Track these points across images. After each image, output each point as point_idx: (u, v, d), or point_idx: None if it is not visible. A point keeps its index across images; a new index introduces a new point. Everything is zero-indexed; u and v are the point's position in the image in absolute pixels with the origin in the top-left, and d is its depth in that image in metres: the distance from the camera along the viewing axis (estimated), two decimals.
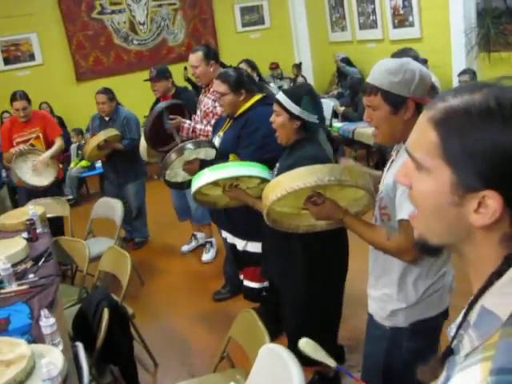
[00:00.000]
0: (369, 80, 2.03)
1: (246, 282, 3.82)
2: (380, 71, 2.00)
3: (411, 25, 7.36)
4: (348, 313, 3.35)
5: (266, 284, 3.72)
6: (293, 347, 3.07)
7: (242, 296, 4.28)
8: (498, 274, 0.83)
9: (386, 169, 2.13)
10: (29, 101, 5.20)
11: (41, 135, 5.33)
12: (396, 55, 4.81)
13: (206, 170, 2.93)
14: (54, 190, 5.29)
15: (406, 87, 1.94)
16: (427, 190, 0.89)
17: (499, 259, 0.84)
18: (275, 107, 2.79)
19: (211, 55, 4.37)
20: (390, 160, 2.11)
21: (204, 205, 3.38)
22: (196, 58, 4.37)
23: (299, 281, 2.90)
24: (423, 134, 0.88)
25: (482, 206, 0.82)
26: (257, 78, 5.82)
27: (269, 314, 3.71)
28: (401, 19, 7.56)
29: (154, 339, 3.88)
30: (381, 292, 2.18)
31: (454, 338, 0.91)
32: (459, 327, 0.90)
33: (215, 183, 2.95)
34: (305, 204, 2.30)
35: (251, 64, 5.97)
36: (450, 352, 0.91)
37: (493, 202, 0.81)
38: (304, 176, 2.15)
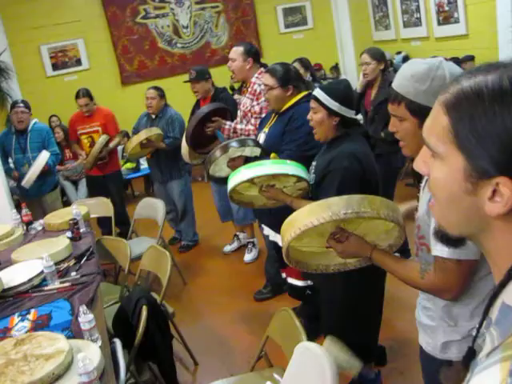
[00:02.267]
0: (393, 85, 1.82)
1: (291, 280, 3.79)
2: (405, 76, 1.78)
3: (456, 21, 7.19)
4: (390, 314, 3.29)
5: (310, 282, 3.69)
6: None
7: (283, 296, 4.28)
8: None
9: (421, 191, 1.89)
10: (91, 98, 5.82)
11: (100, 130, 5.91)
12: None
13: (241, 168, 2.91)
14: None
15: (434, 96, 1.73)
16: (441, 177, 0.86)
17: None
18: (312, 104, 2.76)
19: (251, 53, 4.37)
20: (425, 180, 1.83)
21: (241, 205, 3.36)
22: (235, 51, 4.38)
23: (338, 281, 2.84)
24: (436, 119, 0.85)
25: (497, 194, 0.78)
26: (310, 78, 5.82)
27: (309, 314, 3.70)
28: (445, 16, 7.40)
29: (194, 338, 3.90)
30: (430, 321, 1.95)
31: (475, 337, 0.87)
32: (480, 326, 0.86)
33: (251, 182, 2.93)
34: (328, 242, 2.11)
35: (305, 63, 5.97)
36: (473, 353, 0.86)
37: (507, 189, 0.76)
38: (318, 211, 1.96)
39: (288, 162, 2.88)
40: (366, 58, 4.79)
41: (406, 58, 8.02)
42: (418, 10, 7.98)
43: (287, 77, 3.43)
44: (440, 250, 1.71)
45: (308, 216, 1.96)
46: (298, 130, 3.32)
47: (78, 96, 5.80)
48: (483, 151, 0.78)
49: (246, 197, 3.17)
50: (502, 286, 0.80)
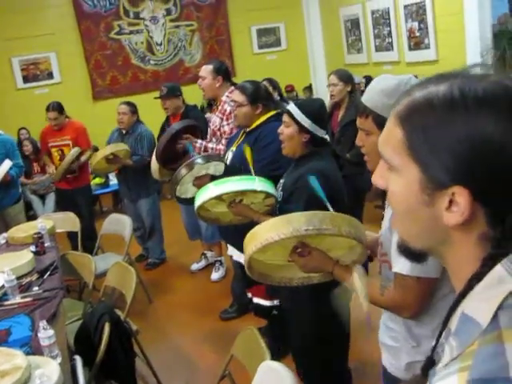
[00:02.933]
0: (362, 99, 1.85)
1: (257, 300, 3.77)
2: (375, 90, 1.81)
3: (427, 47, 7.33)
4: (354, 335, 3.27)
5: (276, 302, 3.67)
6: (301, 370, 3.03)
7: (249, 315, 4.25)
8: (477, 278, 0.79)
9: (386, 209, 1.92)
10: (61, 112, 5.78)
11: (71, 143, 5.84)
12: None
13: (210, 185, 2.89)
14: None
15: None
16: (398, 190, 0.86)
17: (478, 261, 0.80)
18: (285, 118, 2.77)
19: (221, 71, 4.38)
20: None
21: (207, 221, 3.34)
22: (205, 69, 4.40)
23: (306, 302, 2.82)
24: (390, 131, 0.85)
25: (454, 204, 0.78)
26: (278, 98, 5.86)
27: (274, 333, 3.67)
28: (416, 41, 7.55)
29: (158, 357, 3.84)
30: (393, 342, 1.94)
31: (434, 347, 0.87)
32: (439, 336, 0.86)
33: (219, 198, 2.91)
34: (290, 256, 2.09)
35: (273, 83, 6.01)
36: (432, 363, 0.86)
37: (462, 198, 0.77)
38: (279, 226, 1.94)
39: (256, 178, 2.87)
40: (334, 79, 4.84)
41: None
42: (389, 34, 8.12)
43: (257, 95, 3.44)
44: (400, 266, 1.71)
45: (269, 231, 1.95)
46: (264, 148, 3.31)
47: (47, 109, 5.76)
48: (437, 161, 0.78)
49: (213, 213, 3.14)
50: (462, 296, 0.80)
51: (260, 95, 3.46)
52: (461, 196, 0.77)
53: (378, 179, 0.92)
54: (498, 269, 0.77)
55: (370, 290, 1.88)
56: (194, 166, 3.34)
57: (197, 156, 3.57)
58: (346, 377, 3.08)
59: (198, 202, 2.90)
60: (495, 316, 0.74)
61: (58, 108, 5.75)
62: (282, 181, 2.88)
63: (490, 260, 0.78)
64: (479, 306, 0.77)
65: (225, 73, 4.42)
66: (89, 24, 8.86)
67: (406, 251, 0.92)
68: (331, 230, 1.90)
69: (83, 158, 5.83)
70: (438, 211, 0.80)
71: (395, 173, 0.85)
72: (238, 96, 3.46)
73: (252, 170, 2.99)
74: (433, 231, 0.84)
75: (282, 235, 1.91)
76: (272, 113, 3.47)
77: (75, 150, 5.69)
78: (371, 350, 2.29)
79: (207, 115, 5.45)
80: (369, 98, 1.81)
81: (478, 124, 0.75)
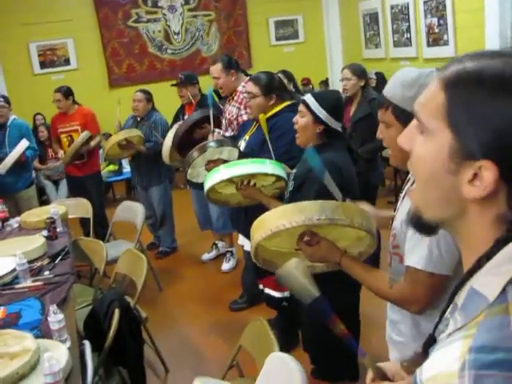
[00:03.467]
0: (384, 91, 1.83)
1: (268, 291, 3.76)
2: (395, 82, 1.79)
3: (446, 43, 7.26)
4: (362, 330, 3.26)
5: (286, 294, 3.66)
6: (315, 363, 3.03)
7: (258, 307, 4.25)
8: (487, 257, 0.79)
9: (400, 201, 1.88)
10: (66, 96, 5.76)
11: (79, 129, 5.84)
12: None
13: (220, 167, 2.88)
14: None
15: None
16: (425, 153, 0.85)
17: (491, 241, 0.79)
18: (301, 108, 2.75)
19: (231, 65, 4.35)
20: (405, 190, 1.84)
21: (216, 204, 3.33)
22: (216, 69, 4.35)
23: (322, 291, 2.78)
24: (432, 94, 0.84)
25: (477, 178, 0.78)
26: (293, 90, 5.82)
27: (283, 326, 3.66)
28: (435, 37, 7.47)
29: (166, 345, 3.85)
30: (400, 337, 1.93)
31: (437, 324, 0.86)
32: (443, 312, 0.85)
33: (230, 180, 2.90)
34: (298, 244, 2.07)
35: (288, 75, 5.97)
36: (434, 340, 0.85)
37: (488, 173, 0.76)
38: (291, 214, 1.93)
39: (267, 161, 2.87)
40: (347, 73, 4.80)
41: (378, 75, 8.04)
42: (408, 30, 8.04)
43: (270, 85, 3.42)
44: (415, 260, 1.69)
45: (280, 218, 1.94)
46: (278, 139, 3.29)
47: (54, 91, 5.80)
48: (473, 133, 0.77)
49: (223, 195, 3.13)
50: (471, 273, 0.80)
51: (274, 86, 3.44)
52: (488, 171, 0.76)
53: (404, 141, 0.91)
54: (510, 246, 0.78)
55: (379, 282, 1.88)
56: (206, 149, 3.32)
57: (210, 140, 3.55)
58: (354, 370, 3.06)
59: (208, 184, 2.89)
60: (504, 290, 0.75)
61: (64, 92, 5.76)
62: (294, 170, 2.87)
63: (503, 242, 0.78)
64: (488, 281, 0.77)
65: (234, 64, 4.39)
66: (107, 11, 8.87)
67: (418, 222, 0.91)
68: (344, 221, 1.89)
69: (93, 143, 5.84)
70: (461, 182, 0.80)
71: (426, 136, 0.85)
72: (252, 87, 3.44)
73: (267, 139, 2.96)
74: (451, 201, 0.83)
75: (294, 223, 1.90)
76: (287, 103, 3.45)
77: (85, 134, 5.69)
78: (379, 346, 2.27)
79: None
80: (389, 89, 1.79)
81: None
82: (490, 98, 0.76)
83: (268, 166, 2.82)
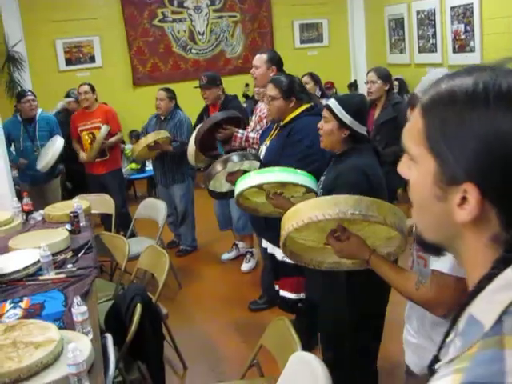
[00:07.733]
0: (415, 90, 1.86)
1: (283, 292, 3.75)
2: (426, 81, 1.81)
3: (472, 50, 7.20)
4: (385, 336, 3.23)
5: (302, 296, 3.65)
6: (328, 360, 3.00)
7: (278, 308, 4.22)
8: (488, 279, 0.76)
9: None
10: (93, 90, 5.81)
11: (101, 126, 5.80)
12: None
13: (252, 173, 2.88)
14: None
15: None
16: (414, 181, 0.85)
17: (489, 263, 0.77)
18: (325, 113, 2.72)
19: (275, 61, 4.33)
20: None
21: (246, 210, 3.33)
22: (260, 58, 4.34)
23: (341, 298, 2.74)
24: (414, 121, 0.84)
25: (466, 202, 0.76)
26: (319, 93, 5.81)
27: (302, 327, 3.64)
28: (461, 44, 7.41)
29: (185, 342, 3.85)
30: (418, 341, 1.94)
31: (441, 346, 0.84)
32: (446, 335, 0.84)
33: (259, 188, 2.89)
34: (327, 239, 2.05)
35: (315, 78, 5.96)
36: (438, 361, 0.83)
37: (471, 197, 0.74)
38: (325, 206, 1.91)
39: (298, 171, 2.84)
40: (373, 76, 4.79)
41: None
42: (434, 36, 7.99)
43: (291, 88, 3.39)
44: (441, 265, 1.68)
45: (313, 209, 1.92)
46: (296, 144, 3.27)
47: (80, 85, 5.86)
48: (452, 156, 0.76)
49: (253, 203, 3.13)
50: (472, 297, 0.79)
51: (293, 89, 3.41)
52: (470, 194, 0.75)
53: (403, 169, 0.90)
54: (508, 272, 0.75)
55: (406, 283, 1.86)
56: (228, 163, 3.34)
57: (233, 153, 3.55)
58: (374, 374, 3.03)
59: (238, 190, 2.89)
60: (499, 320, 0.72)
61: (90, 85, 5.82)
62: (322, 178, 2.84)
63: (502, 263, 0.76)
64: (485, 308, 0.75)
65: (278, 63, 4.38)
66: (133, 10, 8.93)
67: (422, 243, 0.90)
68: (377, 218, 1.88)
69: (114, 139, 5.88)
70: (451, 207, 0.78)
71: (414, 163, 0.84)
72: (272, 89, 3.41)
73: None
74: (444, 226, 0.82)
75: (328, 215, 1.88)
76: (305, 106, 3.41)
77: (105, 128, 5.73)
78: (399, 350, 2.24)
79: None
80: (420, 88, 1.81)
81: (494, 121, 0.73)
82: (463, 118, 0.75)
83: (298, 177, 2.80)
